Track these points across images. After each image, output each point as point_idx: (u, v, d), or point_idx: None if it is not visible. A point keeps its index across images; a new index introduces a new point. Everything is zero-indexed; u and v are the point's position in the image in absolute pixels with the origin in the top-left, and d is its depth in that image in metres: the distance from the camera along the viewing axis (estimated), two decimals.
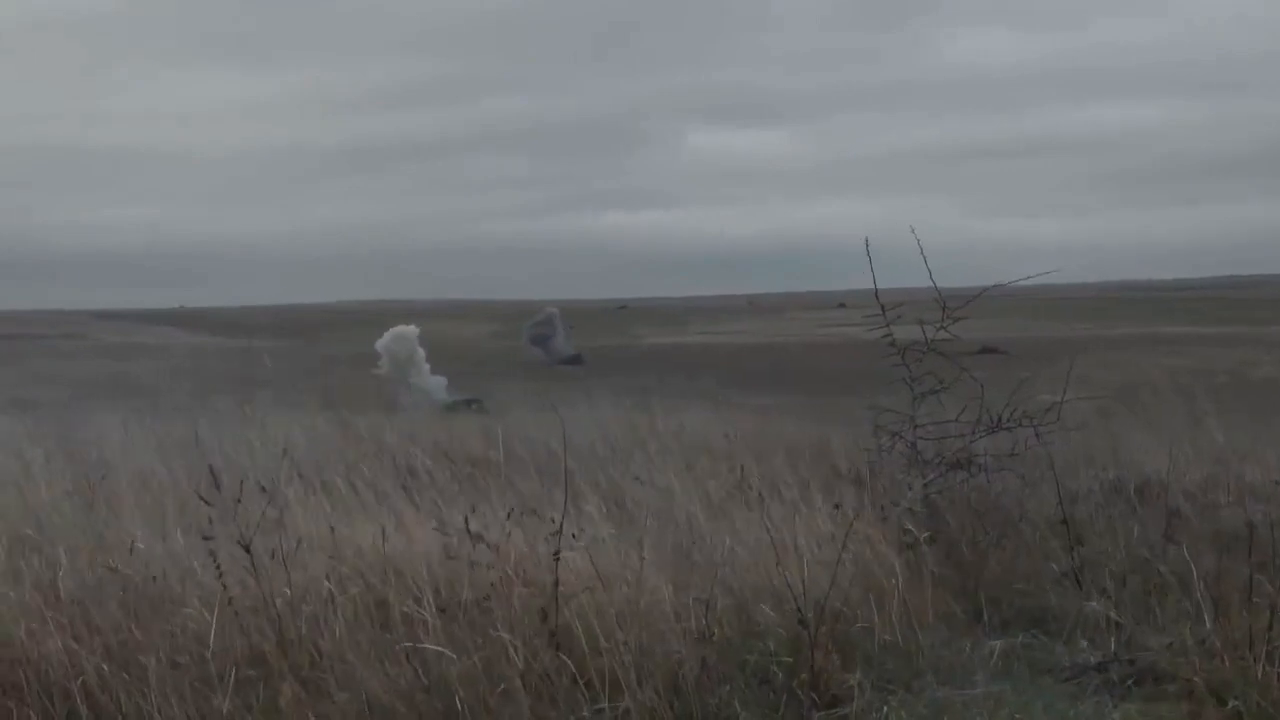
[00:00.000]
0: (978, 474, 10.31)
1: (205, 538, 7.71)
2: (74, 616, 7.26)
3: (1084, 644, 7.79)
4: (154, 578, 7.67)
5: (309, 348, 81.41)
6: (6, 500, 9.74)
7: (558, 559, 7.25)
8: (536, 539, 7.68)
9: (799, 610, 7.15)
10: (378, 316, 70.27)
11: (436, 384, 57.57)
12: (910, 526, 8.81)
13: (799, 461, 10.88)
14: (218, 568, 7.30)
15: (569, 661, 6.81)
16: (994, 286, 11.14)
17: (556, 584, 7.15)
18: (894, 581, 8.10)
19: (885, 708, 6.83)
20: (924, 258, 10.62)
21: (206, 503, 8.02)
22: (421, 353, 61.82)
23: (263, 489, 8.33)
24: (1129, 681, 7.22)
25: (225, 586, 7.23)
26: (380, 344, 63.50)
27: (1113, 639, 7.73)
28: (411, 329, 63.28)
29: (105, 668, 6.79)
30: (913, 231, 10.57)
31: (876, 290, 10.25)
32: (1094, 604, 8.17)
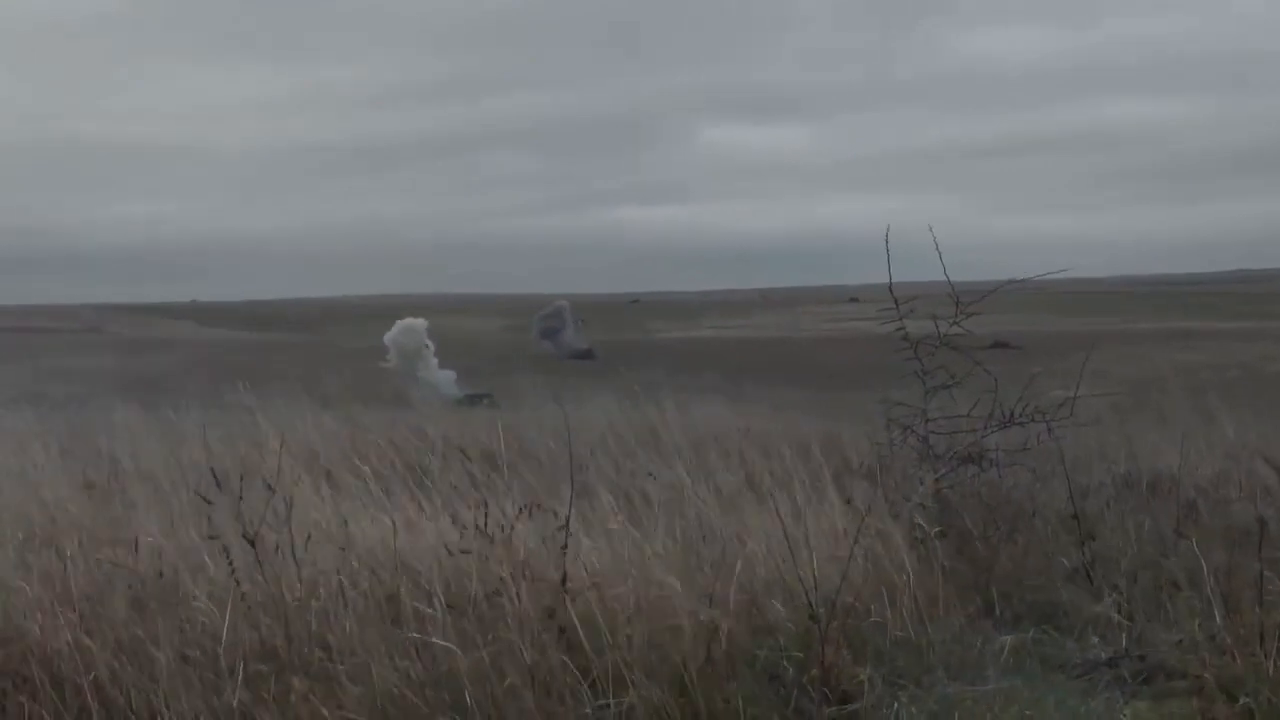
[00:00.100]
0: (989, 469, 10.29)
1: (211, 537, 7.72)
2: (84, 611, 7.26)
3: (1095, 640, 7.77)
4: (161, 573, 7.67)
5: (320, 341, 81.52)
6: (18, 495, 9.75)
7: (565, 552, 7.25)
8: (545, 534, 7.67)
9: (810, 605, 7.14)
10: (389, 311, 70.35)
11: (445, 378, 57.41)
12: (922, 521, 8.80)
13: (810, 456, 10.85)
14: (230, 562, 7.30)
15: (576, 657, 6.81)
16: (1008, 282, 11.11)
17: (564, 579, 7.15)
18: (905, 576, 8.09)
19: (896, 704, 6.82)
20: (939, 252, 10.61)
21: (207, 501, 8.02)
22: (430, 346, 61.69)
23: (269, 487, 8.32)
24: (1140, 678, 7.21)
25: (238, 583, 7.23)
26: (388, 337, 63.42)
27: (1124, 635, 7.72)
28: (420, 322, 63.16)
29: (115, 663, 6.79)
30: (930, 229, 10.55)
31: (891, 283, 10.24)
32: (1106, 600, 8.16)
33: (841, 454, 12.96)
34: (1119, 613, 7.98)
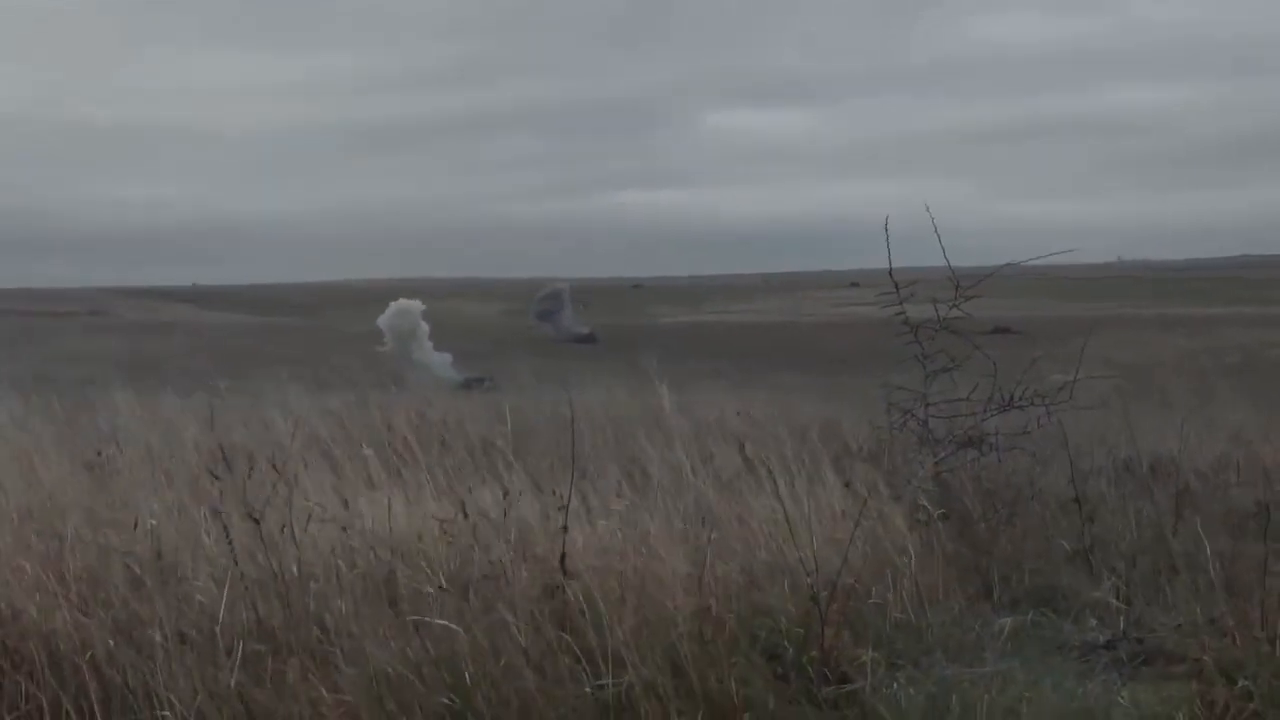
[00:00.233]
0: (989, 452, 10.30)
1: (215, 510, 7.72)
2: (83, 591, 7.26)
3: (1093, 623, 7.78)
4: (160, 553, 7.67)
5: (320, 326, 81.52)
6: (18, 475, 9.74)
7: (565, 534, 7.26)
8: (544, 516, 7.67)
9: (810, 587, 7.15)
10: (390, 295, 70.26)
11: (441, 360, 57.12)
12: (925, 504, 8.81)
13: (811, 439, 10.85)
14: (229, 541, 7.31)
15: (575, 637, 6.81)
16: (1007, 265, 11.10)
17: (563, 559, 7.15)
18: (905, 559, 8.09)
19: (895, 685, 6.82)
20: (938, 235, 10.60)
21: (216, 477, 8.03)
22: (425, 327, 61.38)
23: (274, 467, 8.32)
24: (1138, 660, 7.22)
25: (237, 561, 7.23)
26: (382, 319, 63.11)
27: (1122, 618, 7.72)
28: (414, 303, 62.84)
29: (113, 642, 6.79)
30: (927, 210, 10.54)
31: (891, 268, 10.22)
32: (1105, 583, 8.16)
33: (842, 438, 12.96)
34: (1118, 596, 7.99)
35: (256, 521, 7.38)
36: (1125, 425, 12.17)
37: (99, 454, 10.84)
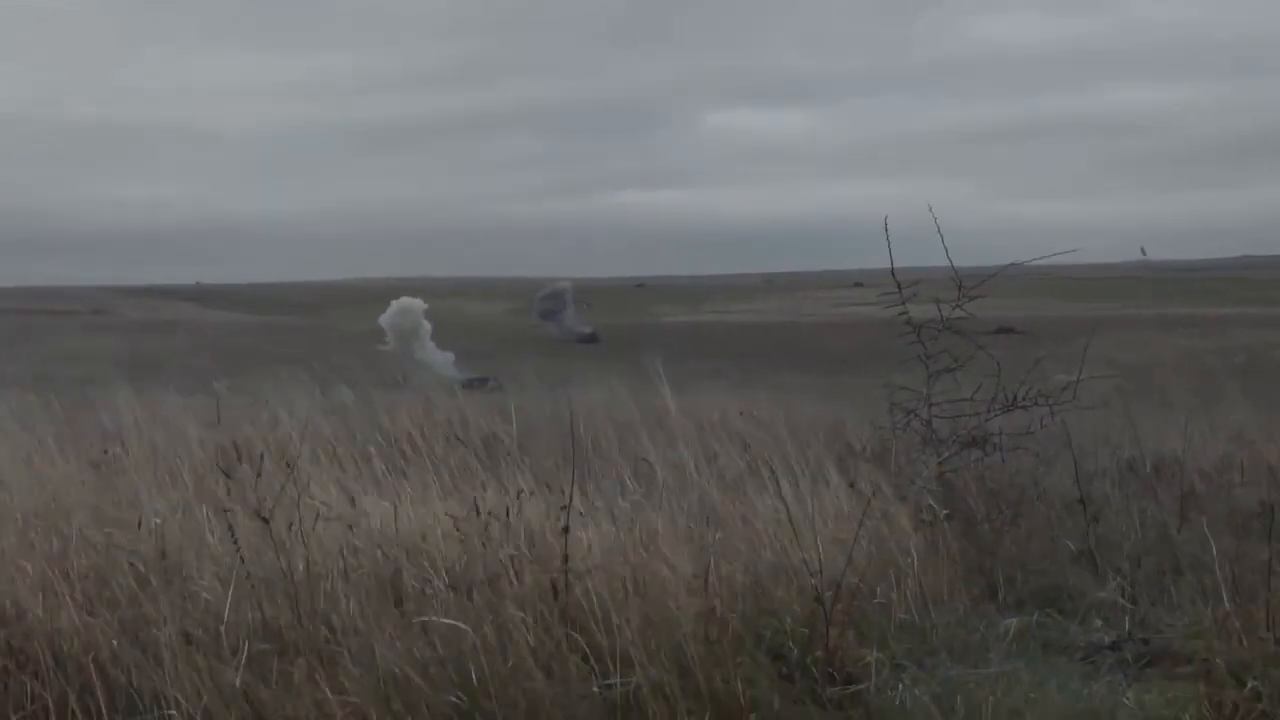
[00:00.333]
0: (993, 453, 10.30)
1: (221, 509, 7.73)
2: (88, 590, 7.27)
3: (1098, 623, 7.77)
4: (164, 552, 7.68)
5: (322, 325, 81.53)
6: (22, 474, 9.75)
7: (567, 534, 7.26)
8: (548, 515, 7.68)
9: (815, 587, 7.15)
10: (392, 294, 70.23)
11: (443, 359, 56.94)
12: (932, 503, 8.81)
13: (814, 439, 10.86)
14: (235, 541, 7.31)
15: (580, 637, 6.81)
16: (1010, 265, 11.10)
17: (566, 559, 7.15)
18: (909, 560, 8.09)
19: (899, 685, 6.82)
20: (941, 236, 10.59)
21: (227, 475, 8.04)
22: (427, 326, 61.21)
23: (286, 465, 8.33)
24: (1143, 661, 7.21)
25: (244, 560, 7.23)
26: (384, 318, 62.93)
27: (1127, 619, 7.71)
28: (416, 302, 62.68)
29: (118, 641, 6.79)
30: (930, 210, 10.54)
31: (893, 268, 10.22)
32: (1109, 584, 8.15)
33: (846, 438, 12.96)
34: (1123, 597, 7.98)
35: (265, 520, 7.38)
36: (1129, 425, 12.16)
37: (105, 452, 10.85)
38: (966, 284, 10.45)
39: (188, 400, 15.84)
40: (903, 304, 10.32)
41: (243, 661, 6.63)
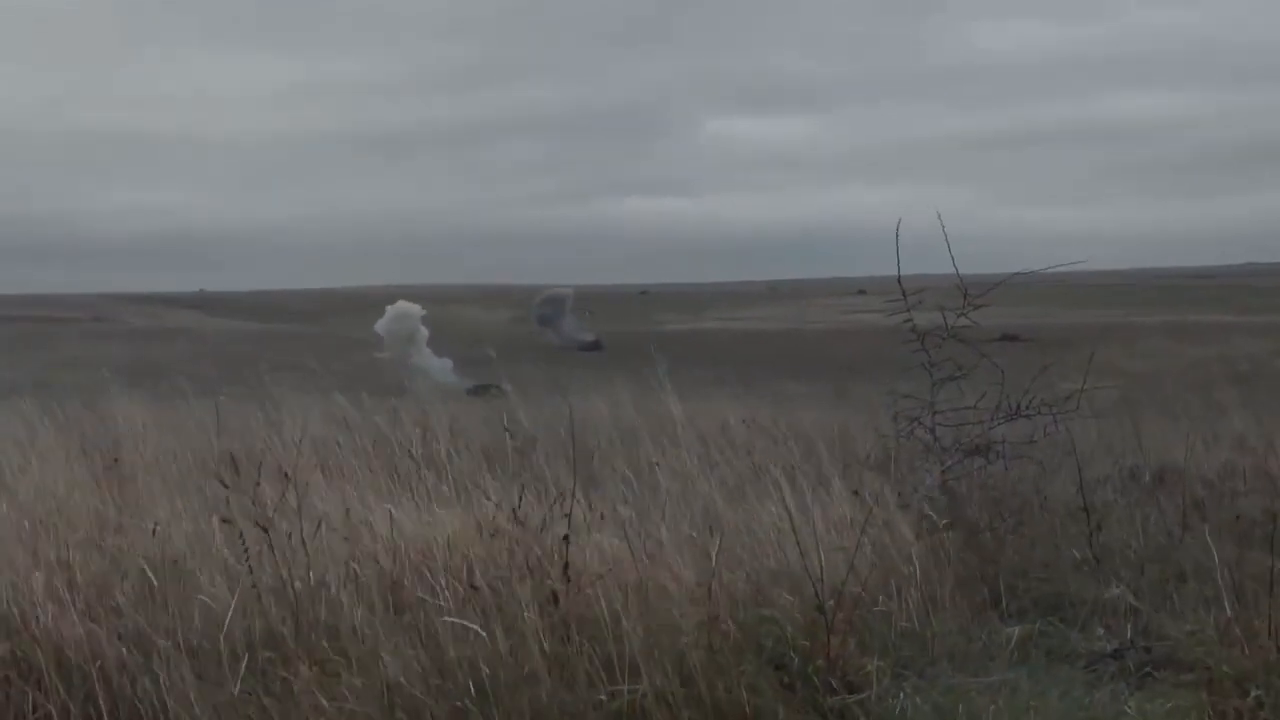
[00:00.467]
0: (996, 461, 10.28)
1: (224, 520, 7.73)
2: (91, 599, 7.27)
3: (1101, 631, 7.76)
4: (168, 560, 7.68)
5: (325, 332, 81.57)
6: (26, 483, 9.75)
7: (568, 542, 7.26)
8: (550, 523, 7.68)
9: (817, 595, 7.14)
10: (396, 300, 70.24)
11: (440, 365, 56.68)
12: (929, 513, 8.80)
13: (817, 447, 10.84)
14: (245, 548, 7.31)
15: (582, 645, 6.81)
16: (1017, 274, 11.07)
17: (566, 567, 7.16)
18: (912, 568, 8.08)
19: (901, 694, 6.81)
20: (947, 242, 10.57)
21: (225, 485, 8.04)
22: (424, 332, 60.92)
23: (286, 475, 8.33)
24: (1145, 669, 7.20)
25: (251, 569, 7.24)
26: (380, 324, 62.62)
27: (1130, 627, 7.70)
28: (413, 307, 62.45)
29: (122, 650, 6.79)
30: (939, 217, 10.52)
31: (900, 275, 10.20)
32: (1113, 591, 8.14)
33: (849, 446, 12.95)
34: (1126, 604, 7.97)
35: (265, 530, 7.38)
36: (1133, 434, 12.16)
37: (115, 460, 10.85)
38: (973, 292, 10.43)
39: (190, 408, 15.84)
40: (907, 311, 10.30)
41: (241, 672, 6.63)
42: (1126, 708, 6.73)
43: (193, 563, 7.73)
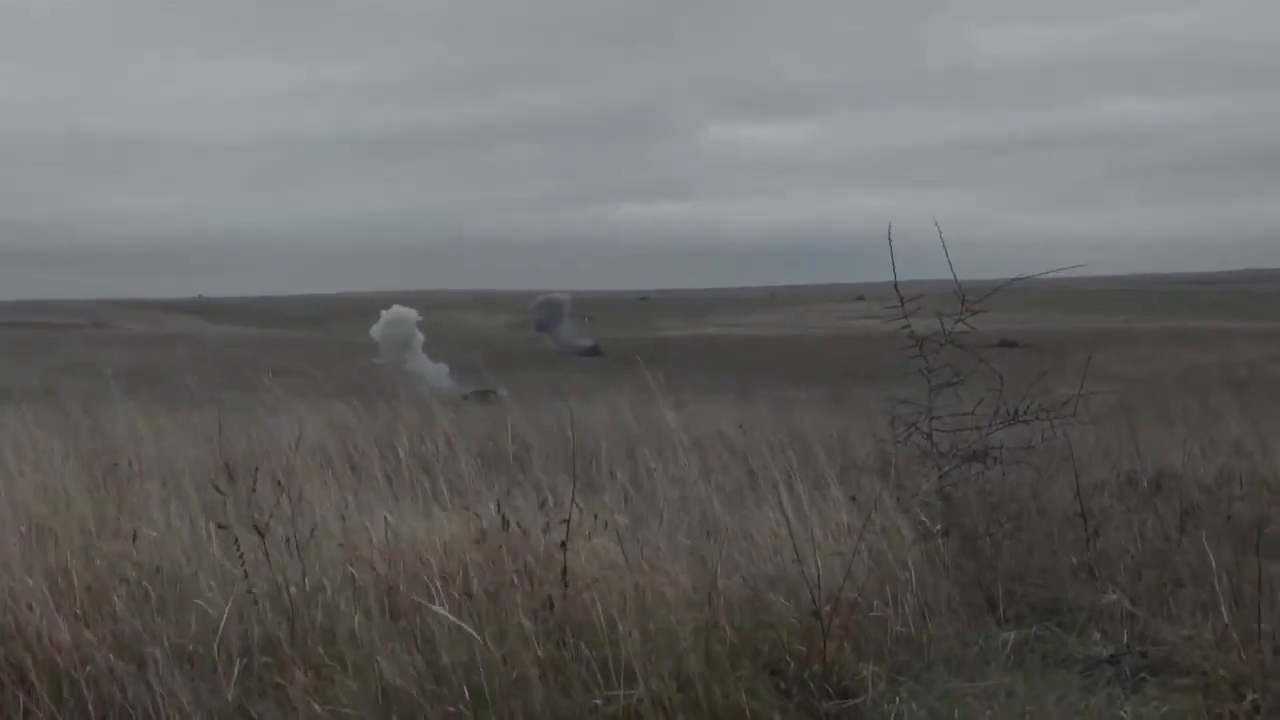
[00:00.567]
0: (993, 466, 10.28)
1: (220, 526, 7.72)
2: (85, 605, 7.25)
3: (1098, 636, 7.76)
4: (160, 567, 7.67)
5: (325, 338, 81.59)
6: (22, 488, 9.74)
7: (565, 548, 7.26)
8: (548, 528, 7.67)
9: (813, 600, 7.14)
10: (394, 306, 70.21)
11: (436, 371, 56.53)
12: (925, 518, 8.80)
13: (815, 453, 10.84)
14: (240, 554, 7.30)
15: (579, 651, 6.81)
16: (1014, 280, 11.07)
17: (564, 573, 7.15)
18: (908, 573, 8.08)
19: (897, 699, 6.81)
20: (945, 248, 10.58)
21: (220, 491, 8.03)
22: (420, 337, 60.79)
23: (278, 481, 8.32)
24: (1142, 674, 7.20)
25: (247, 574, 7.23)
26: (375, 329, 62.46)
27: (1126, 631, 7.70)
28: (409, 311, 62.33)
29: (114, 656, 6.78)
30: (935, 224, 10.52)
31: (896, 281, 10.21)
32: (1110, 596, 8.14)
33: (847, 451, 12.96)
34: (1122, 609, 7.97)
35: (261, 535, 7.38)
36: (1130, 439, 12.17)
37: (114, 465, 10.85)
38: (971, 298, 10.43)
39: (189, 413, 15.84)
40: (905, 317, 10.30)
41: (235, 677, 6.62)
42: (1123, 713, 6.73)
43: (189, 568, 7.73)
